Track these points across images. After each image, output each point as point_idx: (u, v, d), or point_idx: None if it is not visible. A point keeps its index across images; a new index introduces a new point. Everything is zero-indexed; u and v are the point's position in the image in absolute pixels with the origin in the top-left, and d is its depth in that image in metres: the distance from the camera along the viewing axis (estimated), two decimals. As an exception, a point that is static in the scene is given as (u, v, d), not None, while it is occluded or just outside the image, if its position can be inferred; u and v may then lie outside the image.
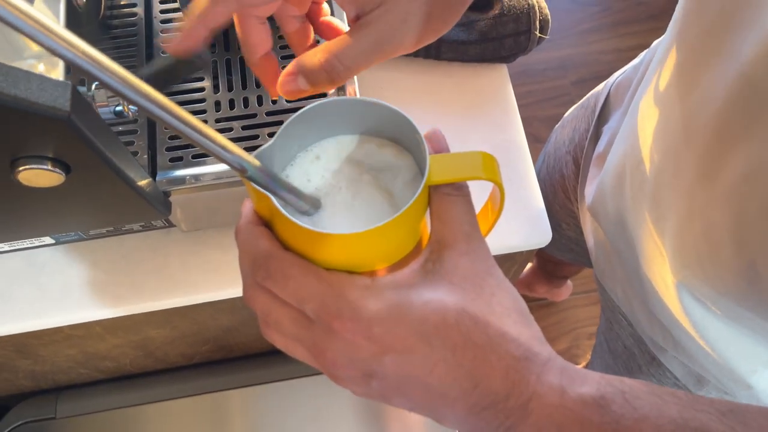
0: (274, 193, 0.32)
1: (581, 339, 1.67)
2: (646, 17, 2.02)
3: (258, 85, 0.57)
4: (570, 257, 0.99)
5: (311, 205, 0.35)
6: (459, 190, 0.34)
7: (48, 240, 0.59)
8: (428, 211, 0.35)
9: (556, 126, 0.93)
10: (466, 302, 0.31)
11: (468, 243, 0.33)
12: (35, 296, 0.62)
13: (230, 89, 0.57)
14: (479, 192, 0.38)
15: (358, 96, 0.36)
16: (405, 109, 0.34)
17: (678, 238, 0.47)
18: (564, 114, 0.90)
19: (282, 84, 0.37)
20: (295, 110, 0.55)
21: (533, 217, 0.66)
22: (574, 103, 0.87)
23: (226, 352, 0.93)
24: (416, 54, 0.71)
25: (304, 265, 0.31)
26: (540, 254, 1.39)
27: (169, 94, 0.31)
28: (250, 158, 0.31)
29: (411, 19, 0.35)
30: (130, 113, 0.47)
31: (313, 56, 0.36)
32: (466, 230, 0.33)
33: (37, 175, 0.41)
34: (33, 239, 0.58)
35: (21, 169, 0.40)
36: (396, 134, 0.36)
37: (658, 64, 0.49)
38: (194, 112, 0.55)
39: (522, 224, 0.65)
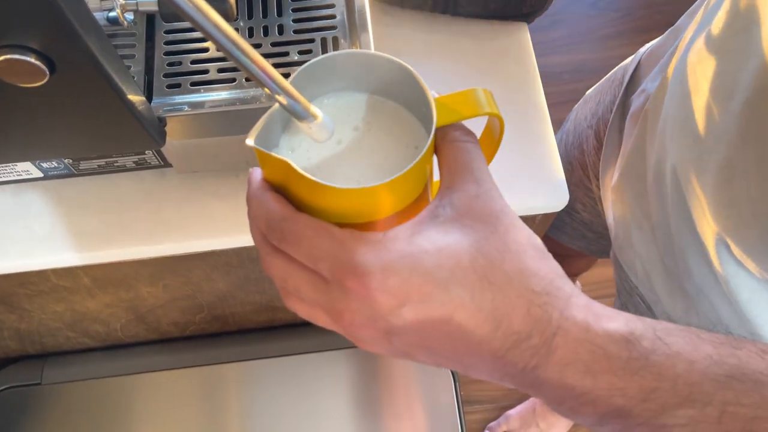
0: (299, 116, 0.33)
1: (590, 346, 1.62)
2: (666, 24, 1.99)
3: (264, 14, 0.54)
4: (580, 245, 0.95)
5: (327, 131, 0.35)
6: (467, 135, 0.34)
7: (36, 173, 0.56)
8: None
9: (576, 105, 0.89)
10: (480, 242, 0.30)
11: (478, 186, 0.32)
12: (21, 235, 0.59)
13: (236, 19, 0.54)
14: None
15: (364, 50, 0.37)
16: (421, 67, 0.33)
17: (726, 170, 0.43)
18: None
19: None
20: (300, 63, 0.52)
21: (551, 177, 0.62)
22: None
23: (221, 324, 0.89)
24: (433, 9, 0.68)
25: (317, 225, 0.31)
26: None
27: None
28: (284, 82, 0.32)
29: None
30: (125, 22, 0.44)
31: None
32: (476, 175, 0.32)
33: (19, 67, 0.37)
34: (19, 170, 0.55)
35: (2, 58, 0.37)
36: (401, 89, 0.36)
37: (709, 12, 0.46)
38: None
39: (539, 185, 0.62)
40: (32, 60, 0.38)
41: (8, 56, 0.37)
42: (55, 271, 0.64)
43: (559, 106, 1.85)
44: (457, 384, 0.90)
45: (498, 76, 0.66)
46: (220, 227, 0.60)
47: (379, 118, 0.36)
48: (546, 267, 0.31)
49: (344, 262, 0.30)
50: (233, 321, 0.88)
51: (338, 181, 0.33)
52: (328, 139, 0.36)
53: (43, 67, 0.38)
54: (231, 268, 0.70)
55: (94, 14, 0.44)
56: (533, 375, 0.30)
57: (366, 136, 0.36)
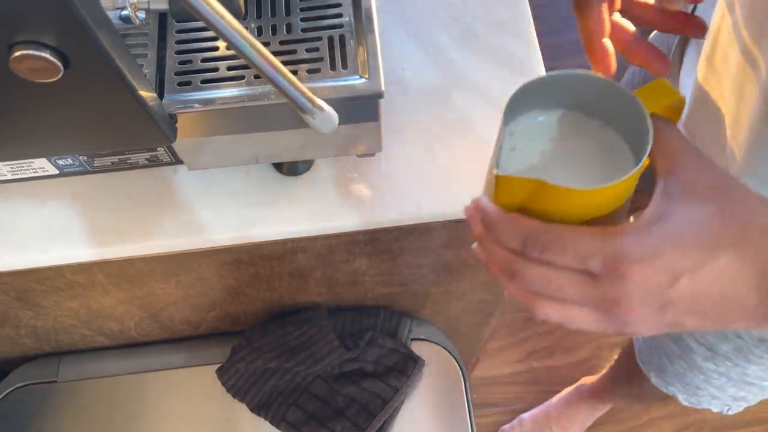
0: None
1: (603, 349, 1.62)
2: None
3: (273, 14, 0.55)
4: None
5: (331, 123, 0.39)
6: (668, 122, 0.37)
7: (51, 170, 0.58)
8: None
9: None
10: (723, 207, 0.34)
11: (697, 160, 0.35)
12: (37, 231, 0.60)
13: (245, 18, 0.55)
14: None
15: (560, 71, 0.39)
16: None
17: None
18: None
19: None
20: (308, 60, 0.53)
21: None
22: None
23: (233, 323, 0.90)
24: None
25: (574, 230, 0.34)
26: None
27: None
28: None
29: None
30: (137, 20, 0.46)
31: None
32: (692, 152, 0.36)
33: (34, 63, 0.39)
34: (35, 167, 0.57)
35: (18, 54, 0.38)
36: (594, 100, 0.39)
37: None
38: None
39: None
40: (47, 56, 0.39)
41: (24, 52, 0.38)
42: (71, 267, 0.65)
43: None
44: (467, 385, 0.90)
45: (499, 51, 0.67)
46: (231, 223, 0.61)
47: (579, 129, 0.40)
48: None
49: (615, 254, 0.33)
50: (245, 319, 0.89)
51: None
52: (332, 130, 0.37)
53: (58, 62, 0.39)
54: (242, 265, 0.71)
55: (108, 13, 0.45)
56: None
57: (568, 144, 0.39)
